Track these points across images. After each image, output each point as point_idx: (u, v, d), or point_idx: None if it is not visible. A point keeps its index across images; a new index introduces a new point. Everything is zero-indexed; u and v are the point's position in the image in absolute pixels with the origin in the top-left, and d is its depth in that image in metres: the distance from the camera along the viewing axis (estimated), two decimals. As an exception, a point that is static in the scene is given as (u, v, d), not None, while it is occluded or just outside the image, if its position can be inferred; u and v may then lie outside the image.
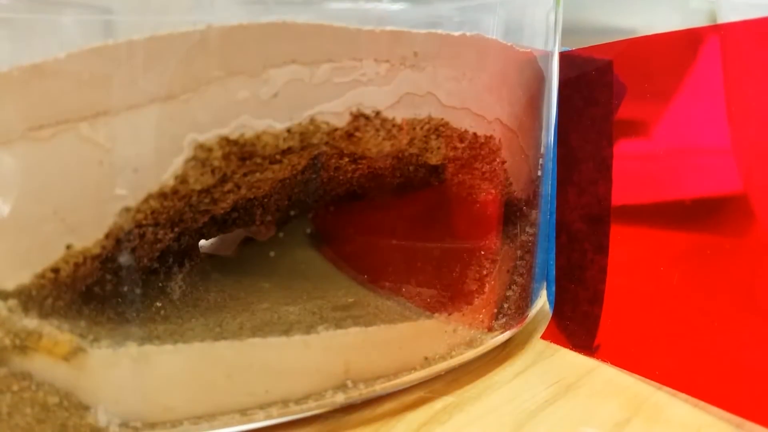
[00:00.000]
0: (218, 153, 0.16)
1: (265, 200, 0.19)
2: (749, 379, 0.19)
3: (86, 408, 0.16)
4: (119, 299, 0.17)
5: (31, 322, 0.16)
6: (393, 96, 0.18)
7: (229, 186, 0.17)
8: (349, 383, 0.19)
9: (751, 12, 0.19)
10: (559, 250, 0.25)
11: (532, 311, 0.26)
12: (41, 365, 0.16)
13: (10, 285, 0.16)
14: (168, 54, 0.16)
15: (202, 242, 0.21)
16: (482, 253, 0.22)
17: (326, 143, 0.18)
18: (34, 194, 0.15)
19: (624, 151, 0.22)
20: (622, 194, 0.22)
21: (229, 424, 0.17)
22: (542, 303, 0.27)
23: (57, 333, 0.16)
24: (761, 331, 0.19)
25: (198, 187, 0.17)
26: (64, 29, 0.18)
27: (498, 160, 0.21)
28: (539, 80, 0.23)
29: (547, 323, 0.25)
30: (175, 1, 0.18)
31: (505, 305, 0.23)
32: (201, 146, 0.16)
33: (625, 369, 0.22)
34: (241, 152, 0.17)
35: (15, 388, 0.16)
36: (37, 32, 0.18)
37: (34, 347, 0.16)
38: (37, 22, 0.18)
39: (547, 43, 0.24)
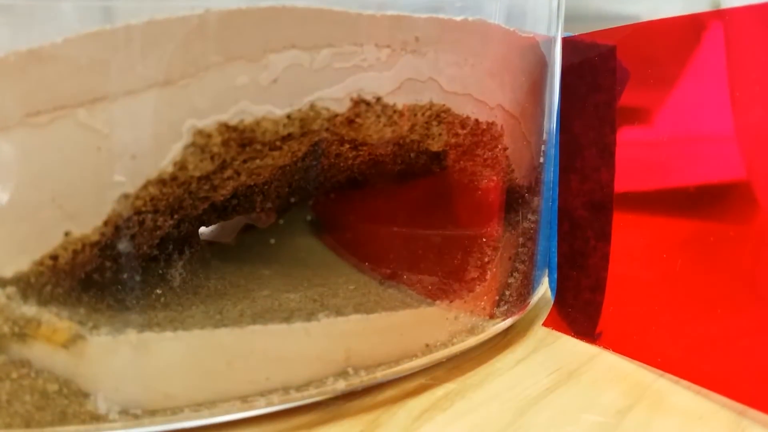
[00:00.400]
0: (217, 139, 0.16)
1: (266, 187, 0.19)
2: (751, 367, 0.19)
3: (86, 395, 0.16)
4: (119, 286, 0.17)
5: (29, 310, 0.16)
6: (394, 82, 0.18)
7: (228, 173, 0.17)
8: (350, 370, 0.19)
9: None
10: (561, 237, 0.25)
11: (534, 298, 0.26)
12: (40, 353, 0.16)
13: (8, 272, 0.16)
14: (166, 39, 0.16)
15: (202, 229, 0.21)
16: (484, 240, 0.22)
17: (327, 129, 0.18)
18: (32, 181, 0.15)
19: (627, 137, 0.22)
20: (624, 181, 0.22)
21: (230, 412, 0.17)
22: (544, 290, 0.27)
23: (56, 320, 0.16)
24: (763, 318, 0.19)
25: (197, 173, 0.17)
26: (63, 15, 0.18)
27: (500, 146, 0.21)
28: (542, 66, 0.23)
29: (548, 310, 0.25)
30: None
31: (507, 292, 0.23)
32: (200, 132, 0.16)
33: (627, 356, 0.22)
34: (240, 138, 0.17)
35: (14, 375, 0.16)
36: (36, 18, 0.18)
37: (33, 335, 0.16)
38: (36, 8, 0.17)
39: (550, 29, 0.24)
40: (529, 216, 0.24)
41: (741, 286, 0.19)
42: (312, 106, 0.17)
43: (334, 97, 0.17)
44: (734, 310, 0.19)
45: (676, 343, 0.21)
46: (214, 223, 0.21)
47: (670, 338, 0.21)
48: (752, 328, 0.19)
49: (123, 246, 0.17)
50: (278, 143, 0.17)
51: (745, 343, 0.19)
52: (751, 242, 0.19)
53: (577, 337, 0.24)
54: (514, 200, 0.23)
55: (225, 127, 0.16)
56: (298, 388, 0.18)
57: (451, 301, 0.21)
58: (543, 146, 0.25)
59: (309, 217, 0.21)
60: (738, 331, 0.19)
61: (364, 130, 0.18)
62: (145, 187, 0.16)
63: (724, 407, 0.19)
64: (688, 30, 0.20)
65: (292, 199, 0.20)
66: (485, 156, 0.21)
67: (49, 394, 0.16)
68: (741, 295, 0.19)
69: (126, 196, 0.16)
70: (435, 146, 0.20)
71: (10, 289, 0.16)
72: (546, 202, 0.25)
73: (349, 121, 0.18)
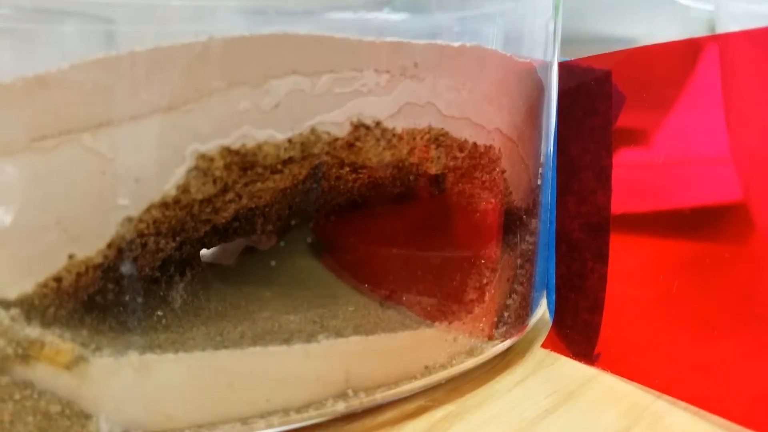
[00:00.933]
0: (220, 163, 0.17)
1: (267, 210, 0.19)
2: (749, 388, 0.19)
3: (88, 417, 0.16)
4: (121, 308, 0.17)
5: (33, 331, 0.16)
6: (393, 106, 0.18)
7: (230, 196, 0.17)
8: (350, 392, 0.19)
9: (750, 21, 0.20)
10: (559, 258, 0.25)
11: (533, 320, 0.26)
12: (43, 374, 0.16)
13: (12, 294, 0.16)
14: (170, 65, 0.16)
15: (204, 251, 0.21)
16: (482, 261, 0.22)
17: (327, 153, 0.18)
18: (37, 204, 0.16)
19: (623, 160, 0.22)
20: (621, 203, 0.22)
21: (230, 433, 0.18)
22: (542, 311, 0.27)
23: (59, 342, 0.16)
24: (760, 339, 0.19)
25: (200, 196, 0.17)
26: (66, 39, 0.18)
27: (498, 169, 0.22)
28: (539, 90, 0.24)
29: (547, 332, 0.25)
30: (177, 11, 0.18)
31: (506, 314, 0.24)
32: (203, 156, 0.16)
33: (625, 377, 0.22)
34: (242, 162, 0.17)
35: (17, 396, 0.16)
36: (39, 42, 0.18)
37: (37, 356, 0.16)
38: (39, 31, 0.18)
39: (547, 53, 0.24)
40: (527, 238, 0.24)
41: (738, 307, 0.20)
42: (313, 130, 0.17)
43: (334, 122, 0.18)
44: (731, 332, 0.20)
45: (674, 365, 0.21)
46: (216, 246, 0.21)
47: (667, 360, 0.21)
48: (749, 350, 0.19)
49: (126, 268, 0.17)
50: (279, 167, 0.17)
51: (742, 364, 0.19)
52: (748, 263, 0.19)
53: (576, 359, 0.24)
54: (513, 222, 0.24)
55: (227, 151, 0.17)
56: (298, 410, 0.18)
57: (450, 323, 0.21)
58: (540, 169, 0.25)
59: (309, 239, 0.21)
60: (735, 352, 0.19)
61: (364, 154, 0.18)
62: (148, 210, 0.16)
63: (721, 428, 0.19)
64: (683, 54, 0.21)
65: (293, 222, 0.20)
66: (483, 179, 0.21)
67: (51, 416, 0.16)
68: (738, 316, 0.20)
69: (129, 219, 0.16)
70: (434, 169, 0.20)
71: (14, 311, 0.16)
72: (544, 224, 0.26)
73: (349, 145, 0.18)
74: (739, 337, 0.19)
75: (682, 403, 0.21)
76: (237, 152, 0.17)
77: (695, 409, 0.20)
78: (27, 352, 0.16)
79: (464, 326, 0.22)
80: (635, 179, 0.22)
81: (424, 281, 0.21)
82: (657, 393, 0.21)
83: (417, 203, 0.21)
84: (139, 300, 0.17)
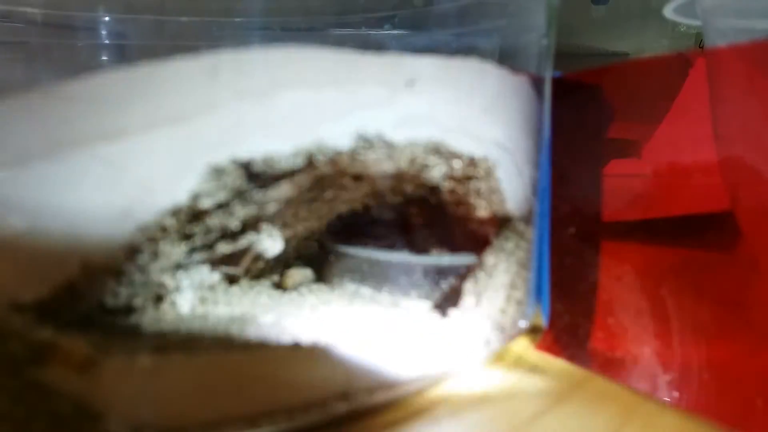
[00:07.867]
0: (229, 172, 0.17)
1: (273, 217, 0.20)
2: (738, 389, 0.19)
3: (99, 417, 0.17)
4: (132, 312, 0.18)
5: (46, 334, 0.16)
6: (393, 118, 0.19)
7: (238, 204, 0.18)
8: (351, 393, 0.19)
9: (736, 36, 0.20)
10: (553, 264, 0.25)
11: (528, 323, 0.26)
12: (56, 375, 0.16)
13: (27, 298, 0.16)
14: (181, 78, 0.17)
15: (213, 257, 0.21)
16: (479, 267, 0.23)
17: (330, 163, 0.18)
18: (52, 211, 0.16)
19: (614, 170, 0.23)
20: (612, 211, 0.23)
21: (237, 432, 0.18)
22: (537, 315, 0.27)
23: (71, 344, 0.16)
24: (747, 342, 0.19)
25: (209, 205, 0.17)
26: (79, 53, 0.18)
27: (494, 179, 0.22)
28: (533, 103, 0.24)
29: (541, 335, 0.26)
30: (187, 27, 0.18)
31: (502, 318, 0.24)
32: (213, 166, 0.17)
33: (616, 379, 0.23)
34: (250, 172, 0.17)
35: (30, 398, 0.16)
36: (53, 55, 0.18)
37: (50, 358, 0.16)
38: (53, 46, 0.18)
39: (540, 67, 0.25)
40: (522, 244, 0.25)
41: (725, 311, 0.20)
42: (317, 142, 0.18)
43: (337, 133, 0.18)
44: (719, 335, 0.20)
45: (663, 367, 0.21)
46: (224, 252, 0.22)
47: (657, 362, 0.21)
48: (737, 353, 0.19)
49: (137, 274, 0.17)
50: (285, 176, 0.18)
51: (730, 366, 0.20)
52: (735, 269, 0.20)
53: (569, 361, 0.24)
54: (508, 230, 0.24)
55: (236, 161, 0.17)
56: (302, 410, 0.19)
57: (447, 326, 0.22)
58: (535, 179, 0.25)
59: (313, 245, 0.22)
60: (724, 355, 0.20)
61: (365, 164, 0.19)
62: (159, 217, 0.17)
63: (711, 429, 0.20)
64: (672, 68, 0.21)
65: (298, 228, 0.21)
66: (480, 187, 0.22)
67: (63, 417, 0.16)
68: (725, 320, 0.20)
69: (141, 227, 0.17)
70: (432, 179, 0.21)
71: (29, 315, 0.16)
72: (538, 232, 0.26)
73: (352, 156, 0.19)
74: (726, 341, 0.20)
75: (672, 404, 0.21)
76: (245, 162, 0.17)
77: (684, 410, 0.20)
78: (40, 355, 0.16)
79: (461, 330, 0.22)
80: (625, 188, 0.23)
81: (423, 286, 0.22)
82: (647, 395, 0.22)
83: (416, 211, 0.22)
84: (150, 304, 0.18)
